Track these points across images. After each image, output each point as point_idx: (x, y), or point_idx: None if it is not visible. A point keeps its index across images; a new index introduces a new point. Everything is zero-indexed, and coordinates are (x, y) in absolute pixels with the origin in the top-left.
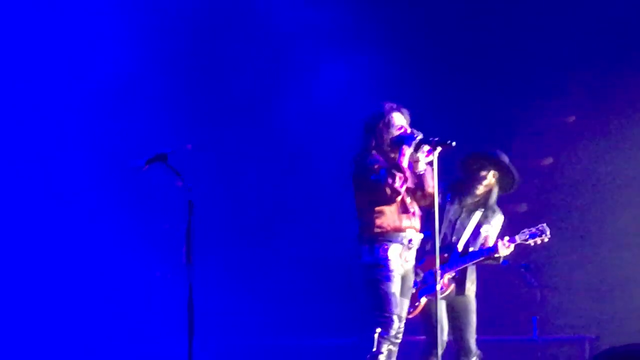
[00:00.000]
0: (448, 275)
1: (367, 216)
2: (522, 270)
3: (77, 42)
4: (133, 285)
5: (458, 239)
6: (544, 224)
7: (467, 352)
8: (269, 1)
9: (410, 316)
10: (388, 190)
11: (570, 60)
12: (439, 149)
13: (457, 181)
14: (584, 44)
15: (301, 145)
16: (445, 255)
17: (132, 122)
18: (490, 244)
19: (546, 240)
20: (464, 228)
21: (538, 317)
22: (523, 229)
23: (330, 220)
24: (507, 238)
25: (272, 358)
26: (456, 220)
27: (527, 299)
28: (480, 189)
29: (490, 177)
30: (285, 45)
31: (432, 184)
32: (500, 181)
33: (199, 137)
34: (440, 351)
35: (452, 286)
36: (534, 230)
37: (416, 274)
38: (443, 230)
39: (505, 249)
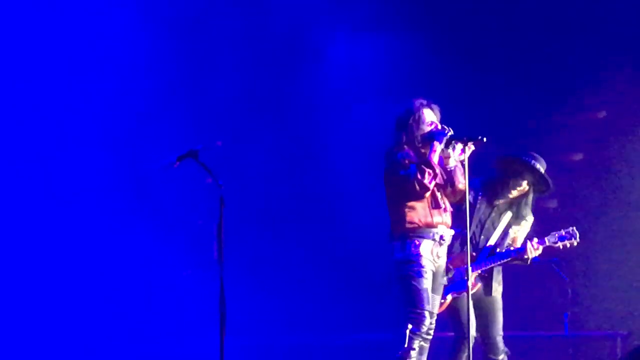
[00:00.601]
0: (475, 274)
1: (399, 212)
2: (553, 265)
3: (105, 40)
4: (164, 282)
5: (487, 239)
6: (574, 227)
7: (494, 349)
8: None
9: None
10: (417, 186)
11: (602, 55)
12: (470, 145)
13: (490, 180)
14: (616, 39)
15: (331, 142)
16: (474, 254)
17: (161, 120)
18: (518, 244)
19: (575, 244)
20: (494, 228)
21: (569, 313)
22: (553, 231)
23: (363, 217)
24: (536, 240)
25: (303, 355)
26: (486, 219)
27: (558, 295)
28: (514, 194)
29: (525, 185)
30: (311, 40)
31: (462, 181)
32: (534, 187)
33: (229, 133)
34: (471, 344)
35: (479, 285)
36: (563, 233)
37: (448, 270)
38: (472, 229)
39: (534, 251)
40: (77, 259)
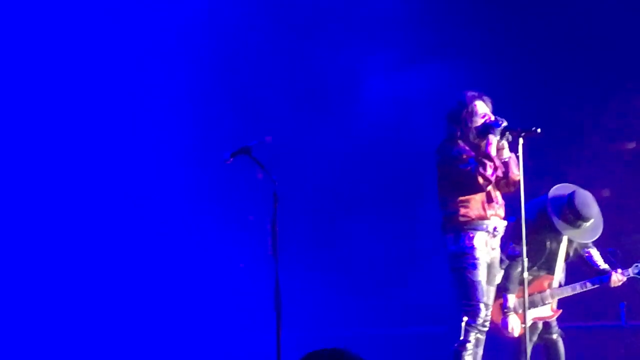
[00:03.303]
0: (556, 300)
1: (452, 206)
2: (609, 255)
3: (150, 34)
4: (219, 277)
5: (554, 261)
6: None
7: (548, 328)
8: None
9: (516, 336)
10: (480, 179)
11: None
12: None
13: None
14: None
15: (383, 137)
16: (549, 281)
17: (212, 116)
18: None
19: None
20: (557, 253)
21: (626, 303)
22: (636, 262)
23: (413, 208)
24: (620, 271)
25: (360, 348)
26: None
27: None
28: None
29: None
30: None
31: (517, 172)
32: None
33: (280, 130)
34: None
35: (560, 311)
36: None
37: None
38: (533, 248)
39: (617, 282)
40: (137, 253)
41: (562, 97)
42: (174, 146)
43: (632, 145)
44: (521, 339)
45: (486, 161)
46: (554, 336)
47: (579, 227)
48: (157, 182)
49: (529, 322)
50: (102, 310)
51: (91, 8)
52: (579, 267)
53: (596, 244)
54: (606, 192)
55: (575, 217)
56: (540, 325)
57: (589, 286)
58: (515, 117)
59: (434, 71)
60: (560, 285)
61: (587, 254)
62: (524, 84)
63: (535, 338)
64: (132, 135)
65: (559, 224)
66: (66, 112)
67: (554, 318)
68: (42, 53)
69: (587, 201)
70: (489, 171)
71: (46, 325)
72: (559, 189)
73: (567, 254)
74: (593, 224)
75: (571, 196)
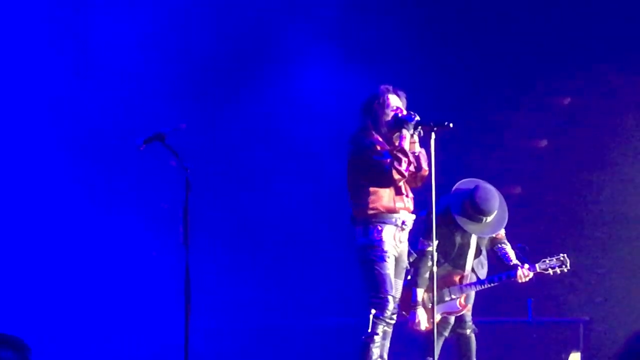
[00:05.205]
0: (465, 295)
1: (362, 198)
2: (518, 251)
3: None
4: (130, 264)
5: (465, 256)
6: (565, 255)
7: (461, 323)
8: None
9: (424, 330)
10: (395, 174)
11: (568, 40)
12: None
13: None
14: (586, 26)
15: (295, 125)
16: (460, 276)
17: (126, 103)
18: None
19: (565, 270)
20: (468, 247)
21: (533, 299)
22: (544, 258)
23: (332, 200)
24: (527, 266)
25: (269, 338)
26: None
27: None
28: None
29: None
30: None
31: (425, 167)
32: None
33: (193, 117)
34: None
35: (469, 305)
36: (554, 261)
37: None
38: (443, 247)
39: (524, 277)
40: (42, 242)
41: (478, 95)
42: (83, 132)
43: (544, 143)
44: (429, 333)
45: (401, 156)
46: (467, 331)
47: (479, 221)
48: (68, 169)
49: (437, 317)
50: (8, 302)
51: None
52: (491, 262)
53: (509, 239)
54: (517, 189)
55: (475, 211)
56: (451, 320)
57: (497, 281)
58: (430, 113)
59: (355, 67)
60: (477, 280)
61: (500, 250)
62: (440, 80)
63: (446, 333)
64: (38, 123)
65: (459, 218)
66: None
67: (469, 313)
68: None
69: (489, 196)
70: (404, 166)
71: None
72: (463, 184)
73: (479, 248)
74: (495, 219)
75: (473, 191)
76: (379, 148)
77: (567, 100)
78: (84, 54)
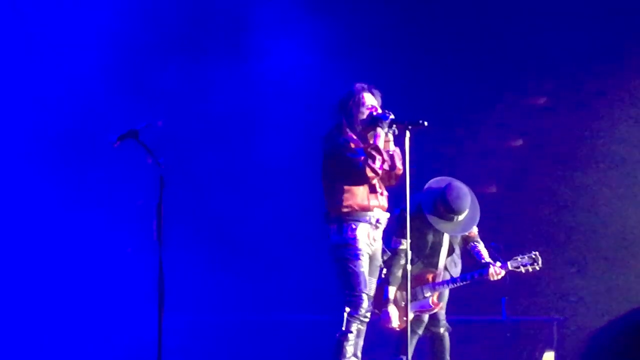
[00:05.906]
0: (437, 293)
1: (336, 195)
2: (491, 249)
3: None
4: (104, 260)
5: (438, 254)
6: (537, 252)
7: (435, 321)
8: None
9: (395, 328)
10: (369, 172)
11: (543, 40)
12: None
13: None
14: (561, 26)
15: (268, 119)
16: (433, 275)
17: (99, 100)
18: (476, 236)
19: (537, 268)
20: (440, 245)
21: (507, 298)
22: (515, 256)
23: (303, 196)
24: (499, 264)
25: (243, 335)
26: (427, 236)
27: (496, 280)
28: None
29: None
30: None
31: (400, 165)
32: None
33: (167, 114)
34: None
35: (442, 304)
36: (526, 259)
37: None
38: (417, 245)
39: (496, 275)
40: (15, 240)
41: (453, 94)
42: (58, 128)
43: (519, 142)
44: (403, 331)
45: (375, 153)
46: (441, 330)
47: (451, 220)
48: (41, 167)
49: (411, 315)
50: None
51: None
52: (465, 260)
53: (484, 238)
54: (492, 189)
55: (447, 210)
56: (425, 318)
57: (469, 279)
58: (405, 111)
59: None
60: (450, 278)
61: (473, 248)
62: (415, 79)
63: (420, 331)
64: (7, 120)
65: (431, 217)
66: None
67: (442, 312)
68: None
69: (460, 194)
70: (378, 164)
71: None
72: (434, 182)
73: (451, 247)
74: (467, 217)
75: (444, 189)
76: (353, 146)
77: (542, 100)
78: (54, 49)
